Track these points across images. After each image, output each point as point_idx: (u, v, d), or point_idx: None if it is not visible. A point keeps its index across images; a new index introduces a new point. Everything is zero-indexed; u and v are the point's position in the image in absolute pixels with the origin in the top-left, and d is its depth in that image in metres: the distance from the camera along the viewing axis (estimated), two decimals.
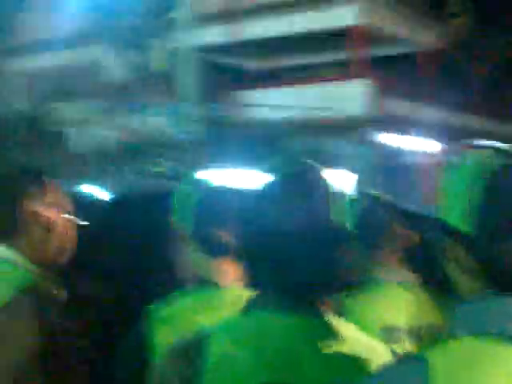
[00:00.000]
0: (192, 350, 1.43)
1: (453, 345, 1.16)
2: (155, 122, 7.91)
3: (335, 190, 1.48)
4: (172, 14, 15.79)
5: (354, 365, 1.34)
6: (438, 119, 16.93)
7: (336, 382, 1.33)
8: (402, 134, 14.34)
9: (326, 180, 1.49)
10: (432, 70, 19.16)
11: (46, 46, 19.88)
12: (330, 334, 1.38)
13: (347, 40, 16.79)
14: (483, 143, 1.26)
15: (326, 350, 1.36)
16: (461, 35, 18.96)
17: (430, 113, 17.61)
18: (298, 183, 1.49)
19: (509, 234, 1.17)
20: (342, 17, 16.24)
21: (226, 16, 17.39)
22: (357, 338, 1.43)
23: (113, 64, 18.85)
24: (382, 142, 14.22)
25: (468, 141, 1.27)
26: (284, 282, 1.40)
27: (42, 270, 1.90)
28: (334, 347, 1.37)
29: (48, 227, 1.95)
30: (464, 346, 1.15)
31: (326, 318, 1.39)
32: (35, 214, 1.95)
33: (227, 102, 12.86)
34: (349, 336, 1.41)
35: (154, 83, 15.67)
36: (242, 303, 1.56)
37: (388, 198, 2.53)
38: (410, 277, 2.48)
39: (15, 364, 1.73)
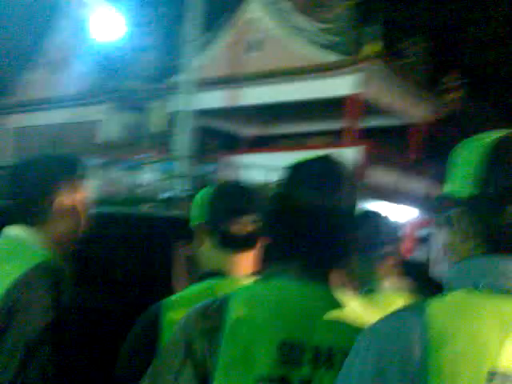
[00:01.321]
0: (213, 309, 1.51)
1: (449, 297, 1.24)
2: (148, 178, 8.07)
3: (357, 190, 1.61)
4: (173, 79, 16.04)
5: (355, 330, 1.40)
6: (423, 190, 16.94)
7: (342, 343, 1.43)
8: (386, 202, 14.38)
9: (353, 175, 1.62)
10: (421, 142, 19.26)
11: (47, 104, 20.07)
12: (339, 302, 1.50)
13: (342, 109, 16.89)
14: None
15: (332, 315, 1.48)
16: (453, 109, 19.09)
17: (415, 183, 17.64)
18: (329, 169, 1.60)
19: (506, 203, 1.24)
20: (337, 86, 16.47)
21: (228, 82, 17.63)
22: (358, 308, 1.54)
23: (110, 124, 18.96)
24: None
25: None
26: (302, 255, 1.52)
27: (56, 254, 1.94)
28: (339, 313, 1.49)
29: (74, 218, 2.01)
30: (459, 298, 1.23)
31: (335, 289, 1.52)
32: (65, 206, 2.00)
33: (220, 164, 13.07)
34: (352, 306, 1.51)
35: (150, 143, 15.82)
36: (249, 286, 1.66)
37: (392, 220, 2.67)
38: (405, 286, 2.62)
39: (29, 334, 1.73)
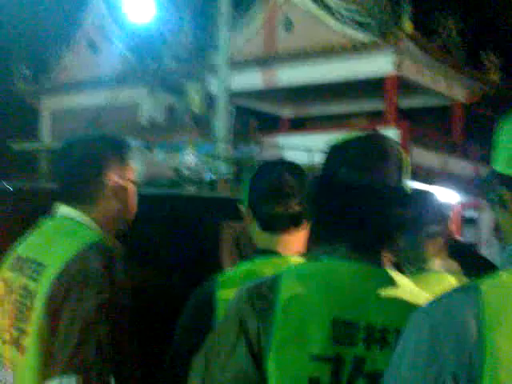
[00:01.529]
0: (265, 287, 1.52)
1: (503, 277, 1.22)
2: (190, 160, 8.08)
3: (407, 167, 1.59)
4: (210, 59, 16.07)
5: (409, 309, 1.39)
6: (466, 171, 16.79)
7: (394, 322, 1.42)
8: (428, 184, 14.28)
9: (400, 152, 1.60)
10: (462, 123, 19.08)
11: (86, 86, 20.26)
12: (389, 281, 1.50)
13: (382, 89, 16.79)
14: None
15: (385, 294, 1.47)
16: (492, 91, 18.88)
17: (458, 165, 17.48)
18: (374, 146, 1.58)
19: None
20: (377, 66, 16.34)
21: (263, 62, 17.61)
22: (411, 287, 1.53)
23: (150, 105, 19.13)
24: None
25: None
26: (351, 234, 1.51)
27: (108, 234, 1.96)
28: (392, 292, 1.48)
29: (124, 200, 2.02)
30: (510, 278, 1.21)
31: (386, 268, 1.52)
32: (115, 187, 2.02)
33: (260, 145, 13.07)
34: (404, 284, 1.53)
35: (189, 124, 15.91)
36: (301, 266, 1.67)
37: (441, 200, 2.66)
38: (454, 266, 2.60)
39: (86, 312, 1.75)
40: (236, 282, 1.83)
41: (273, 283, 1.50)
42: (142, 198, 2.17)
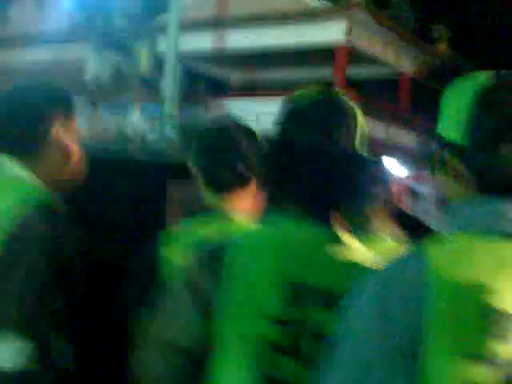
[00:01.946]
0: (218, 250, 1.50)
1: (448, 240, 1.25)
2: (136, 120, 7.99)
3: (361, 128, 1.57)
4: (160, 19, 15.81)
5: (357, 271, 1.42)
6: (411, 144, 17.03)
7: (343, 284, 1.42)
8: (374, 154, 14.42)
9: (355, 113, 1.58)
10: (409, 96, 19.30)
11: (33, 41, 19.77)
12: (340, 243, 1.49)
13: (332, 58, 16.86)
14: None
15: (336, 256, 1.47)
16: (439, 62, 19.15)
17: (403, 137, 17.72)
18: (329, 106, 1.57)
19: (497, 145, 1.25)
20: (329, 35, 16.37)
21: (214, 24, 17.41)
22: (361, 250, 1.54)
23: (97, 63, 18.80)
24: None
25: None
26: (302, 197, 1.51)
27: (51, 193, 1.87)
28: (343, 254, 1.48)
29: (68, 155, 1.93)
30: (458, 241, 1.24)
31: (337, 231, 1.51)
32: (59, 140, 1.91)
33: (205, 109, 12.99)
34: (354, 247, 1.52)
35: (136, 85, 15.68)
36: (252, 228, 1.66)
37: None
38: (396, 232, 2.62)
39: (35, 277, 1.69)
40: (181, 240, 1.84)
41: (225, 246, 1.49)
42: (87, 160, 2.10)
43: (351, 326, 1.26)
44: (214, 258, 1.49)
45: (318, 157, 1.49)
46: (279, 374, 1.39)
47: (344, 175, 1.51)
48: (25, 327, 1.64)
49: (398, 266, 1.25)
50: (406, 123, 17.79)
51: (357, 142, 1.54)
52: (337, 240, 1.49)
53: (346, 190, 1.53)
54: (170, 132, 8.41)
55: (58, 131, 1.89)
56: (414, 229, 3.01)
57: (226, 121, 2.05)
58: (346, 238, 1.51)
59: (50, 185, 1.89)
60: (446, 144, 1.31)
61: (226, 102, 16.00)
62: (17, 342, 1.64)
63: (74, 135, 1.95)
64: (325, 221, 1.50)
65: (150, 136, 7.03)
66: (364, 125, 1.57)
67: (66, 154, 1.92)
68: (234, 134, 1.95)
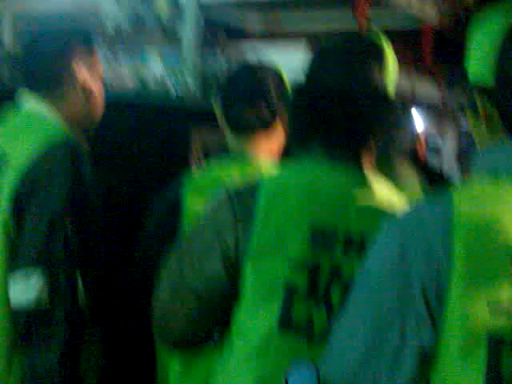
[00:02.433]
0: (246, 195, 1.48)
1: (474, 185, 1.31)
2: (153, 70, 7.91)
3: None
4: None
5: (385, 215, 1.41)
6: (433, 98, 16.86)
7: (370, 229, 1.40)
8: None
9: (385, 54, 1.52)
10: (432, 48, 19.03)
11: None
12: (370, 187, 1.46)
13: (354, 8, 16.60)
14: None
15: (366, 201, 1.45)
16: (465, 15, 18.86)
17: (425, 91, 17.55)
18: (359, 48, 1.52)
19: None
20: None
21: None
22: (392, 194, 1.51)
23: (115, 10, 18.65)
24: None
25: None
26: (332, 138, 1.47)
27: (73, 132, 1.85)
28: (371, 199, 1.45)
29: (89, 92, 1.91)
30: (484, 185, 1.30)
31: (367, 175, 1.48)
32: (80, 77, 1.90)
33: (226, 58, 12.86)
34: (385, 191, 1.49)
35: (155, 32, 15.53)
36: (278, 171, 1.61)
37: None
38: (417, 182, 2.59)
39: (53, 207, 1.67)
40: (203, 188, 1.84)
41: (253, 190, 1.48)
42: (110, 103, 2.05)
43: (371, 271, 1.31)
44: (240, 201, 1.47)
45: (347, 98, 1.48)
46: (300, 316, 1.39)
47: (375, 117, 1.49)
48: (40, 263, 1.64)
49: (421, 210, 1.31)
50: (428, 77, 17.58)
51: (387, 84, 1.50)
52: (365, 184, 1.47)
53: (377, 132, 1.51)
54: (191, 80, 8.35)
55: (79, 67, 1.87)
56: (436, 180, 2.99)
57: (252, 63, 2.02)
58: (375, 182, 1.49)
59: (71, 122, 1.87)
60: (474, 86, 1.34)
61: (246, 47, 15.89)
62: (32, 278, 1.64)
63: (96, 73, 1.93)
64: (355, 164, 1.48)
65: (171, 84, 6.97)
66: (395, 66, 1.53)
67: (87, 92, 1.89)
68: (260, 75, 1.93)
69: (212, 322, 1.50)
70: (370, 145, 1.52)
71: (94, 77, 1.87)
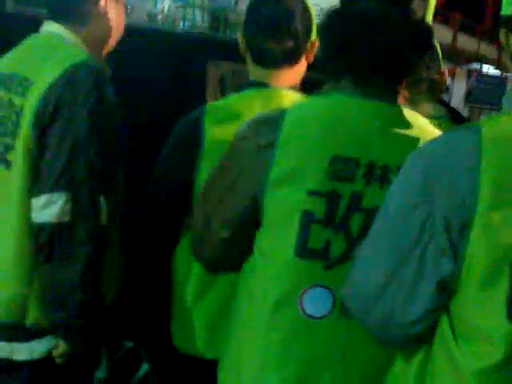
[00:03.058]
0: (270, 123, 1.48)
1: (503, 117, 1.20)
2: (165, 5, 7.80)
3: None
4: None
5: (414, 147, 1.37)
6: (445, 39, 16.55)
7: (396, 159, 1.37)
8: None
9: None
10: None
11: None
12: (399, 118, 1.45)
13: None
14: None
15: (392, 132, 1.43)
16: None
17: (436, 32, 17.22)
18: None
19: None
20: None
21: None
22: (424, 126, 1.49)
23: None
24: None
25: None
26: (364, 70, 1.44)
27: (94, 55, 1.87)
28: (400, 130, 1.44)
29: (113, 27, 1.92)
30: (509, 116, 1.19)
31: (400, 106, 1.46)
32: (106, 11, 1.91)
33: None
34: (417, 124, 1.47)
35: None
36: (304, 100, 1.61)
37: None
38: (442, 112, 2.60)
39: (76, 129, 1.69)
40: (225, 108, 1.81)
41: (277, 118, 1.47)
42: (130, 29, 2.06)
43: (395, 199, 1.24)
44: (263, 129, 1.46)
45: (385, 27, 1.41)
46: (317, 242, 1.40)
47: (413, 53, 1.44)
48: (63, 187, 1.67)
49: (447, 141, 1.20)
50: (440, 18, 17.24)
51: (428, 12, 1.46)
52: (396, 115, 1.43)
53: (414, 69, 1.46)
54: (199, 19, 8.22)
55: (106, 0, 1.88)
56: (455, 115, 2.99)
57: None
58: (409, 113, 1.46)
59: (96, 48, 1.89)
60: (505, 21, 1.23)
61: None
62: (56, 201, 1.67)
63: (121, 7, 1.94)
64: (387, 95, 1.43)
65: (182, 24, 6.88)
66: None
67: (110, 26, 1.90)
68: (288, 6, 1.86)
69: (244, 248, 1.53)
70: (407, 79, 1.46)
71: (118, 11, 1.87)
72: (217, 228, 1.57)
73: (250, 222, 1.52)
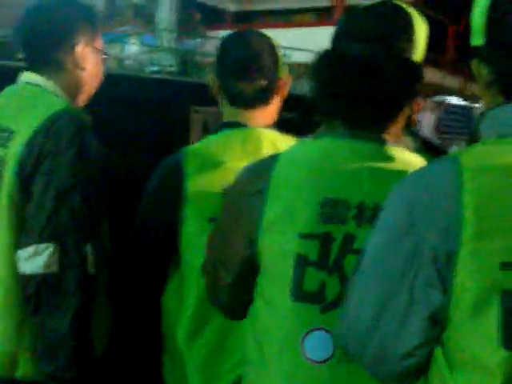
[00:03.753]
0: (263, 167, 1.48)
1: (478, 146, 1.22)
2: (133, 51, 7.84)
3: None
4: None
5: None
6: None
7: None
8: None
9: (412, 21, 1.50)
10: None
11: None
12: (388, 158, 1.45)
13: None
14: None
15: (382, 171, 1.43)
16: None
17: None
18: (383, 16, 1.48)
19: None
20: None
21: None
22: (414, 160, 1.49)
23: None
24: None
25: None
26: (345, 110, 1.44)
27: (72, 103, 1.87)
28: (389, 169, 1.44)
29: (90, 74, 1.93)
30: (488, 146, 1.21)
31: (389, 145, 1.47)
32: (83, 57, 1.91)
33: (202, 38, 12.77)
34: (407, 159, 1.48)
35: (129, 15, 15.35)
36: (277, 141, 1.62)
37: None
38: (417, 143, 2.62)
39: (59, 180, 1.69)
40: (203, 151, 1.82)
41: (268, 164, 1.48)
42: (109, 77, 2.07)
43: (377, 240, 1.24)
44: (259, 177, 1.46)
45: (366, 66, 1.41)
46: (312, 285, 1.40)
47: (402, 90, 1.45)
48: (49, 238, 1.66)
49: (428, 172, 1.22)
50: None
51: (416, 51, 1.47)
52: (385, 155, 1.44)
53: (391, 101, 1.46)
54: (168, 63, 8.28)
55: (83, 45, 1.88)
56: (429, 148, 3.01)
57: (249, 34, 1.96)
58: (399, 152, 1.46)
59: (73, 96, 1.90)
60: (474, 52, 1.26)
61: (221, 32, 15.73)
62: (42, 252, 1.66)
63: (98, 55, 1.94)
64: (376, 135, 1.44)
65: (150, 68, 6.92)
66: (424, 35, 1.49)
67: (87, 74, 1.91)
68: (255, 46, 1.88)
69: (252, 293, 1.52)
70: (397, 117, 1.46)
71: (96, 58, 1.87)
72: (222, 274, 1.58)
73: (250, 267, 1.53)
